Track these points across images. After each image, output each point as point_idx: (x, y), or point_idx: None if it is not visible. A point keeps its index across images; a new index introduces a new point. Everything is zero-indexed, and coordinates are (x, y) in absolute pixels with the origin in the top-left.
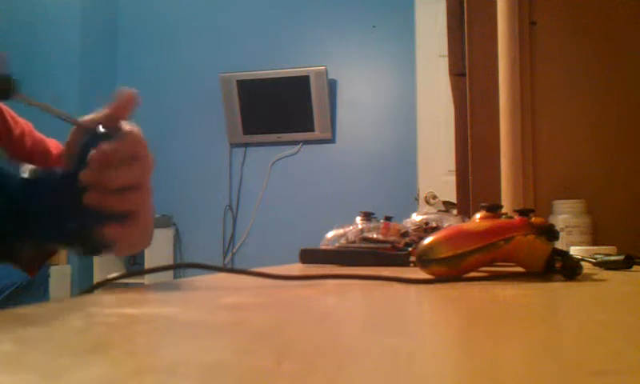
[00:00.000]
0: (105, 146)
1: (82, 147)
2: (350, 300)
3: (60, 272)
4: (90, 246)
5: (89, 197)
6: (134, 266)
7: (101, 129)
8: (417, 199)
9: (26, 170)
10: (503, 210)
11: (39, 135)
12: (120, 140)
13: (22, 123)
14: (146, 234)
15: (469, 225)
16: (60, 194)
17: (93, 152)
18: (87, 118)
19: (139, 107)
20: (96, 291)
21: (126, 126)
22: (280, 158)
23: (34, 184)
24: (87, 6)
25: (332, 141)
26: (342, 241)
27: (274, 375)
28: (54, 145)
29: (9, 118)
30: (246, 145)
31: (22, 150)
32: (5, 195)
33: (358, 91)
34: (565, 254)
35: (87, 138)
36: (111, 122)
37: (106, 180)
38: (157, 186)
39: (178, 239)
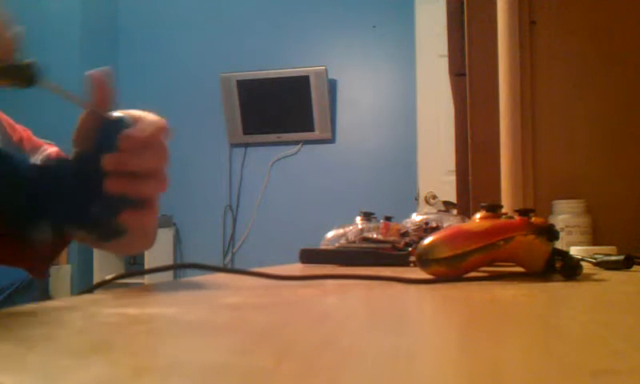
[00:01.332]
0: (131, 132)
1: (98, 133)
2: (349, 300)
3: (60, 272)
4: (105, 231)
5: (109, 183)
6: (134, 266)
7: (115, 114)
8: (417, 199)
9: (39, 159)
10: (503, 210)
11: (38, 141)
12: (143, 126)
13: (20, 130)
14: (149, 233)
15: (469, 225)
16: (75, 179)
17: (120, 138)
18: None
19: (141, 107)
20: (96, 291)
21: (150, 115)
22: (280, 158)
23: (48, 169)
24: (87, 7)
25: (332, 141)
26: (342, 241)
27: (274, 375)
28: (53, 150)
29: (6, 126)
30: (246, 145)
31: None
32: (17, 181)
33: (358, 91)
34: (565, 254)
35: (103, 124)
36: (101, 109)
37: (130, 165)
38: None
39: (177, 239)
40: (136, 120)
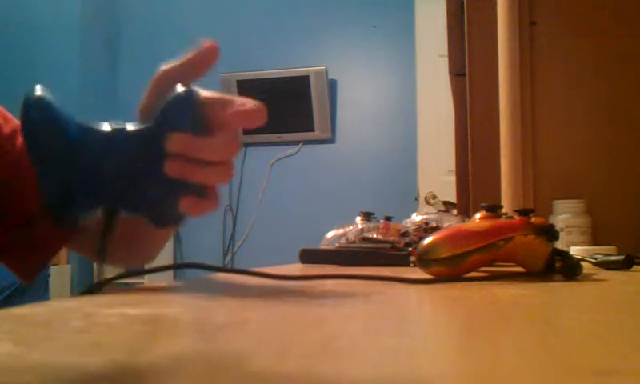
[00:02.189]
0: (194, 142)
1: (166, 106)
2: (349, 300)
3: (60, 272)
4: (159, 216)
5: (171, 165)
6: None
7: (192, 89)
8: (417, 199)
9: (107, 125)
10: (503, 210)
11: None
12: (213, 139)
13: (15, 121)
14: (161, 241)
15: (469, 225)
16: (137, 152)
17: (180, 136)
18: (168, 66)
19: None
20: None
21: (241, 99)
22: (280, 158)
23: (112, 141)
24: (87, 8)
25: (332, 141)
26: (342, 241)
27: (274, 375)
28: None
29: None
30: (246, 145)
31: (12, 149)
32: (85, 151)
33: (358, 91)
34: (565, 254)
35: (175, 97)
36: (189, 73)
37: (199, 152)
38: None
39: (178, 239)
40: (222, 101)
